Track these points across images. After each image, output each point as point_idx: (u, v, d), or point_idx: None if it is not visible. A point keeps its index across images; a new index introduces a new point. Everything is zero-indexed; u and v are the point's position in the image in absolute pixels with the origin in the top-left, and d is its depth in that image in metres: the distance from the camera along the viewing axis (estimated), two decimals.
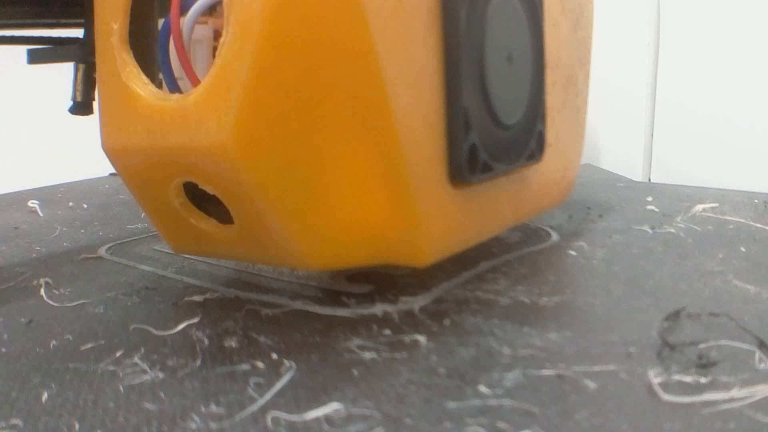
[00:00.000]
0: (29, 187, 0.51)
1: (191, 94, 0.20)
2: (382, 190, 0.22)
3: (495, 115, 0.25)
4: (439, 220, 0.23)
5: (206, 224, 0.23)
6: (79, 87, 0.34)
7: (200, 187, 0.22)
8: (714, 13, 0.60)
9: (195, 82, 0.21)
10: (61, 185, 0.53)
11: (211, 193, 0.22)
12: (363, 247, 0.23)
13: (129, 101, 0.22)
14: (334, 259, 0.23)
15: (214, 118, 0.19)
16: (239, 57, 0.19)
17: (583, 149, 0.36)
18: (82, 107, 0.34)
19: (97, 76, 0.23)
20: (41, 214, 0.42)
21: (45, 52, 0.33)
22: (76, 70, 0.34)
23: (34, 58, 0.33)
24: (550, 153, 0.30)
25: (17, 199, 0.47)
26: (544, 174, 0.30)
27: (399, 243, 0.23)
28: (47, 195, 0.49)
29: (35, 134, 0.72)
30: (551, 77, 0.29)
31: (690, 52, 0.62)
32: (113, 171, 0.65)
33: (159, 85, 0.22)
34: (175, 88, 0.22)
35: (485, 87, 0.24)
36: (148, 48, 0.23)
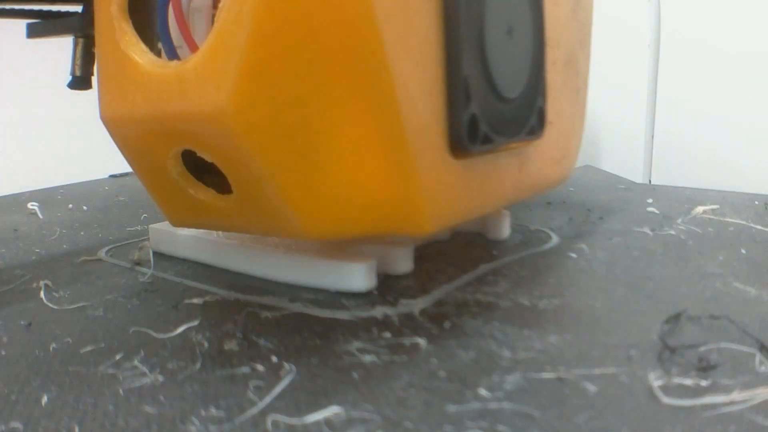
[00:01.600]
0: (29, 189, 0.51)
1: (190, 60, 0.20)
2: (381, 158, 0.22)
3: (495, 88, 0.24)
4: (438, 189, 0.23)
5: (204, 194, 0.23)
6: (78, 61, 0.33)
7: (198, 155, 0.22)
8: (714, 14, 0.60)
9: (194, 49, 0.21)
10: (61, 187, 0.53)
11: (210, 160, 0.21)
12: (362, 216, 0.22)
13: (128, 70, 0.21)
14: (332, 228, 0.23)
15: (213, 84, 0.19)
16: (237, 22, 0.19)
17: (583, 132, 0.36)
18: (80, 82, 0.34)
19: (96, 45, 0.23)
20: (41, 216, 0.42)
21: (44, 26, 0.33)
22: (75, 44, 0.33)
23: (32, 32, 0.33)
24: (551, 131, 0.30)
25: (17, 201, 0.47)
26: (545, 152, 0.30)
27: (399, 212, 0.22)
28: (47, 197, 0.49)
29: (35, 136, 0.72)
30: (551, 56, 0.29)
31: (690, 53, 0.62)
32: (113, 173, 0.65)
33: (158, 55, 0.22)
34: (174, 56, 0.22)
35: (485, 58, 0.24)
36: (147, 17, 0.23)
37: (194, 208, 0.24)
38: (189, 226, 0.26)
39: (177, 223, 0.25)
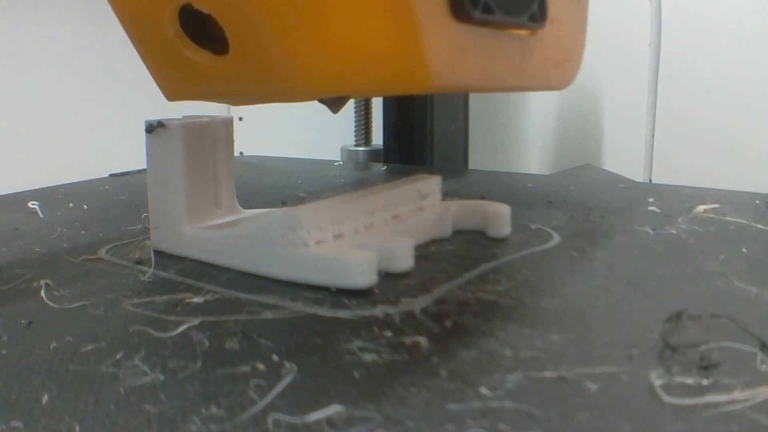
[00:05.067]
0: (29, 188, 0.51)
1: None
2: (383, 10, 0.21)
3: None
4: (442, 47, 0.23)
5: (201, 56, 0.23)
6: None
7: (195, 7, 0.21)
8: (715, 13, 0.60)
9: None
10: (62, 186, 0.53)
11: (207, 12, 0.21)
12: (364, 68, 0.22)
13: None
14: (331, 84, 0.22)
15: None
16: None
17: (584, 48, 0.35)
18: None
19: None
20: (41, 215, 0.42)
21: None
22: None
23: None
24: (552, 30, 0.30)
25: (17, 200, 0.47)
26: (547, 49, 0.30)
27: (402, 64, 0.22)
28: (47, 196, 0.49)
29: (35, 135, 0.72)
30: None
31: (691, 52, 0.62)
32: (113, 172, 0.65)
33: None
34: None
35: None
36: None
37: (191, 74, 0.23)
38: (184, 97, 0.25)
39: (172, 95, 0.25)
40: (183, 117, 0.32)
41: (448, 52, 0.23)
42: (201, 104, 0.35)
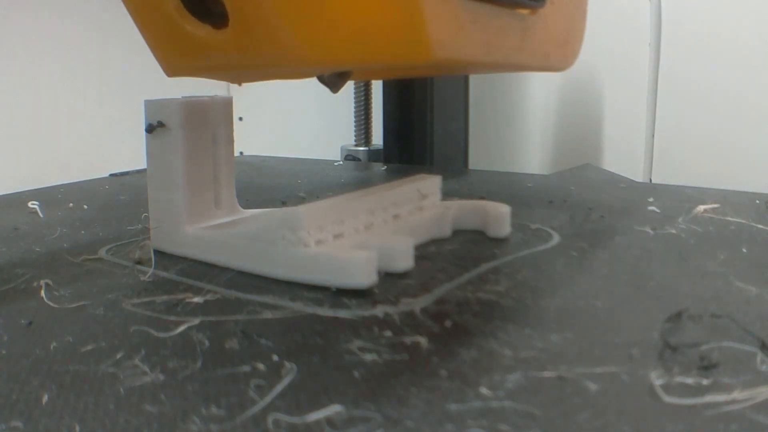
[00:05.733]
0: (29, 188, 0.51)
1: None
2: None
3: None
4: (443, 19, 0.22)
5: (201, 30, 0.22)
6: None
7: None
8: (715, 13, 0.60)
9: None
10: (62, 186, 0.53)
11: None
12: (363, 41, 0.22)
13: None
14: (331, 55, 0.22)
15: None
16: None
17: (585, 32, 0.35)
18: None
19: None
20: (41, 215, 0.42)
21: None
22: None
23: None
24: (553, 10, 0.30)
25: (17, 200, 0.47)
26: (548, 29, 0.31)
27: (402, 36, 0.22)
28: (47, 196, 0.48)
29: (35, 134, 0.72)
30: None
31: (691, 52, 0.62)
32: (114, 172, 0.65)
33: None
34: None
35: None
36: None
37: (191, 49, 0.23)
38: (184, 73, 0.25)
39: (172, 71, 0.25)
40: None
41: (448, 23, 0.23)
42: (200, 89, 0.35)
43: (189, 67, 0.24)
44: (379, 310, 0.24)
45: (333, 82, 0.28)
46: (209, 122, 0.32)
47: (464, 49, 0.24)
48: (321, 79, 0.29)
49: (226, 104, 0.33)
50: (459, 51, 0.24)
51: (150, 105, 0.31)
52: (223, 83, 0.76)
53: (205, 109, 0.32)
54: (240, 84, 0.34)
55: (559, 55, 0.33)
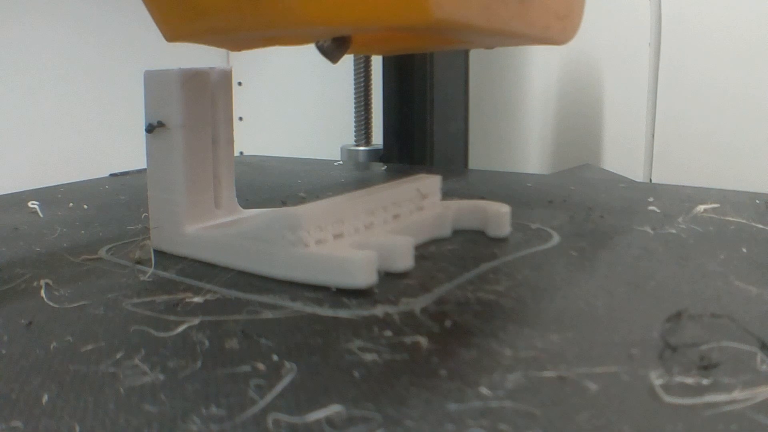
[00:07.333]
0: (29, 188, 0.51)
1: None
2: None
3: None
4: None
5: None
6: None
7: None
8: (715, 13, 0.60)
9: None
10: (62, 186, 0.53)
11: None
12: (363, 3, 0.22)
13: None
14: (331, 14, 0.22)
15: None
16: None
17: (584, 8, 0.35)
18: None
19: None
20: (41, 215, 0.42)
21: None
22: None
23: None
24: None
25: (17, 200, 0.47)
26: (548, 1, 0.31)
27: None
28: (47, 196, 0.48)
29: (35, 134, 0.72)
30: None
31: (691, 52, 0.62)
32: (113, 172, 0.65)
33: None
34: None
35: None
36: None
37: (190, 11, 0.23)
38: (183, 38, 0.25)
39: (171, 35, 0.24)
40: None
41: None
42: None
43: (188, 31, 0.24)
44: (379, 310, 0.24)
45: (331, 51, 0.28)
46: (208, 119, 0.32)
47: (463, 11, 0.24)
48: (320, 49, 0.28)
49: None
50: (458, 12, 0.24)
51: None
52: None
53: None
54: (239, 50, 0.33)
55: (558, 27, 0.33)
